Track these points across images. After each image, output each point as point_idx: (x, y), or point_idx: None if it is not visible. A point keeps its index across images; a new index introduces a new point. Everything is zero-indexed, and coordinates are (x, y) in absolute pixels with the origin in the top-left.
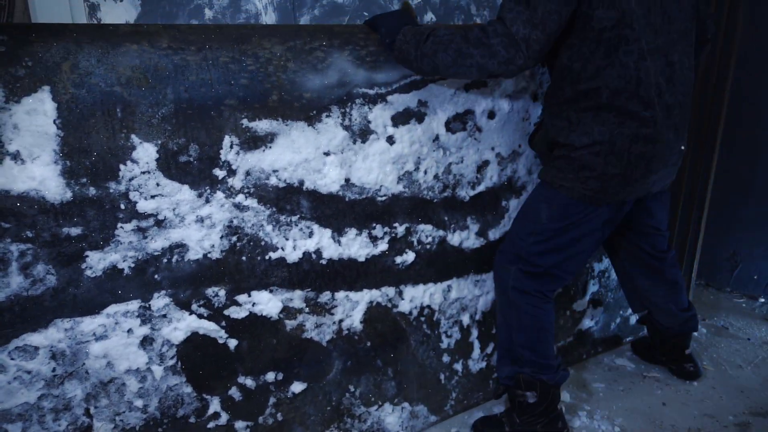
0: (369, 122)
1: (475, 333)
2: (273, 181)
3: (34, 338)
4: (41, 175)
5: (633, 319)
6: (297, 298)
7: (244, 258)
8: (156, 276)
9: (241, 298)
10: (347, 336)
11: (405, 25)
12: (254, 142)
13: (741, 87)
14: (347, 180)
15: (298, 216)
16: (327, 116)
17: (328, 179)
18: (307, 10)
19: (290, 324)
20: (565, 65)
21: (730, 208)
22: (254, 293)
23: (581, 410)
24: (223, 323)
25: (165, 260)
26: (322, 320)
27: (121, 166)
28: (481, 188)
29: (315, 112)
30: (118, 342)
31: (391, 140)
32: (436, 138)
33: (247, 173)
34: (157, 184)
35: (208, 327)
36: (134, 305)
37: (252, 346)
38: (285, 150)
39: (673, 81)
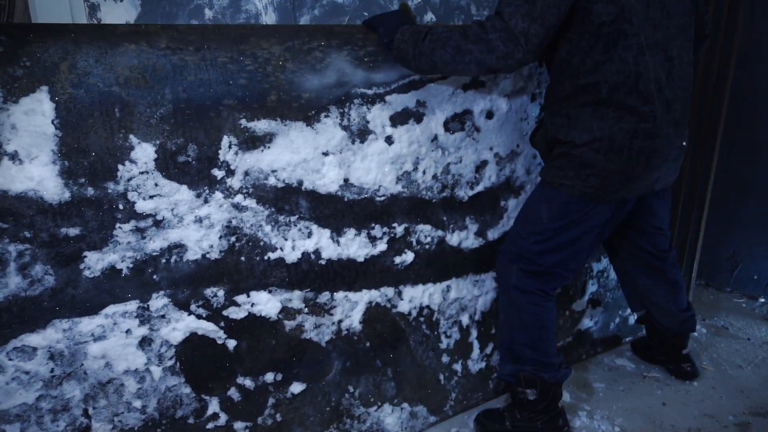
0: (367, 122)
1: (474, 333)
2: (272, 181)
3: (33, 339)
4: (39, 176)
5: (632, 319)
6: (296, 298)
7: (242, 258)
8: (154, 276)
9: (240, 298)
10: (346, 336)
11: (403, 24)
12: (253, 142)
13: (741, 87)
14: (346, 180)
15: (297, 216)
16: (325, 116)
17: (326, 179)
18: (307, 10)
19: (289, 324)
20: (564, 60)
21: (730, 208)
22: (253, 293)
23: (581, 410)
24: (222, 324)
25: (163, 260)
26: (321, 321)
27: (120, 167)
28: (479, 188)
29: (313, 112)
30: (117, 342)
31: (389, 140)
32: (435, 138)
33: (246, 173)
34: (156, 185)
35: (207, 327)
36: (133, 306)
37: (251, 346)
38: (284, 150)
39: (672, 76)
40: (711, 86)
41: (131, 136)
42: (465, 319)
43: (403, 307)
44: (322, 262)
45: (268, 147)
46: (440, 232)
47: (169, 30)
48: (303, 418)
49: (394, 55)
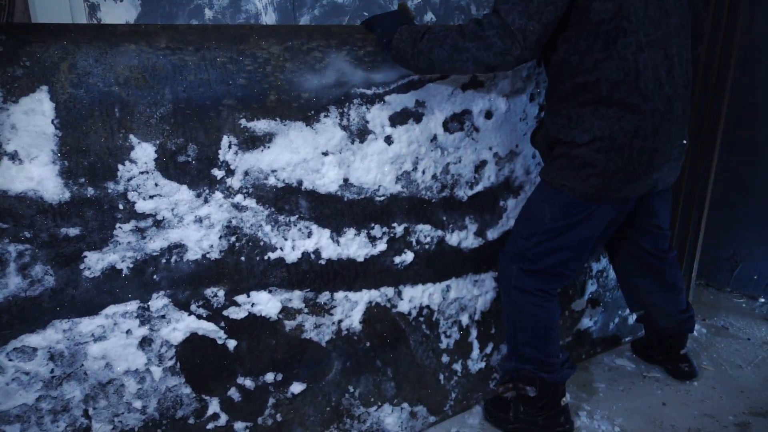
0: (367, 122)
1: (474, 333)
2: (271, 181)
3: (33, 339)
4: (39, 176)
5: (632, 318)
6: (296, 298)
7: (243, 258)
8: (155, 276)
9: (240, 298)
10: (346, 336)
11: (402, 24)
12: (252, 142)
13: (741, 87)
14: (346, 180)
15: (297, 216)
16: (325, 116)
17: (326, 179)
18: (307, 10)
19: (289, 324)
20: (563, 59)
21: (730, 208)
22: (253, 293)
23: (581, 410)
24: (222, 324)
25: (164, 260)
26: (322, 320)
27: (120, 166)
28: (479, 188)
29: (313, 112)
30: (117, 343)
31: (389, 140)
32: (434, 138)
33: (246, 173)
34: (156, 184)
35: (207, 327)
36: (133, 306)
37: (251, 346)
38: (283, 150)
39: (672, 74)
40: (711, 86)
41: (131, 136)
42: (465, 319)
43: (403, 307)
44: (322, 262)
45: (268, 147)
46: (440, 232)
47: (169, 30)
48: (303, 418)
49: (393, 55)
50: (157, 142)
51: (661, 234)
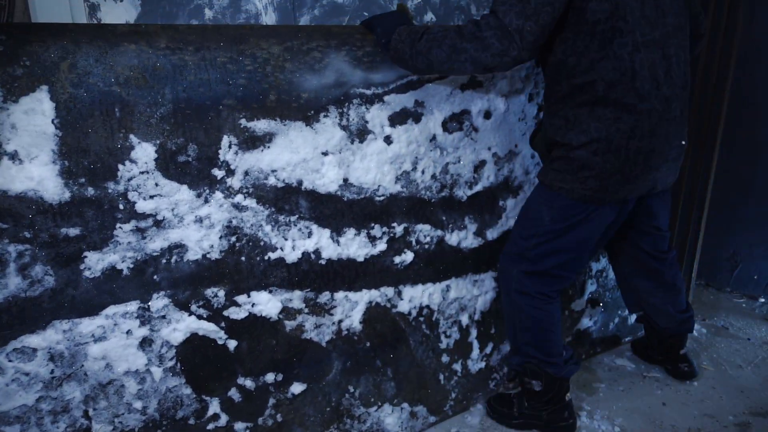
0: (366, 122)
1: (474, 333)
2: (271, 181)
3: (33, 340)
4: (39, 175)
5: (632, 318)
6: (296, 298)
7: (243, 258)
8: (155, 277)
9: (241, 298)
10: (347, 336)
11: (401, 25)
12: (253, 142)
13: (741, 87)
14: (345, 180)
15: (297, 216)
16: (325, 116)
17: (326, 179)
18: (307, 10)
19: (290, 324)
20: (560, 60)
21: (730, 208)
22: (253, 294)
23: (581, 410)
24: (223, 324)
25: (164, 261)
26: (322, 321)
27: (120, 166)
28: (478, 188)
29: (313, 112)
30: (117, 343)
31: (388, 140)
32: (433, 138)
33: (246, 173)
34: (156, 184)
35: (208, 328)
36: (133, 306)
37: (251, 346)
38: (283, 150)
39: (670, 74)
40: (711, 86)
41: (131, 136)
42: (464, 319)
43: (403, 306)
44: (322, 261)
45: (268, 147)
46: (439, 232)
47: (169, 30)
48: (303, 419)
49: (392, 55)
50: (158, 141)
51: (660, 235)
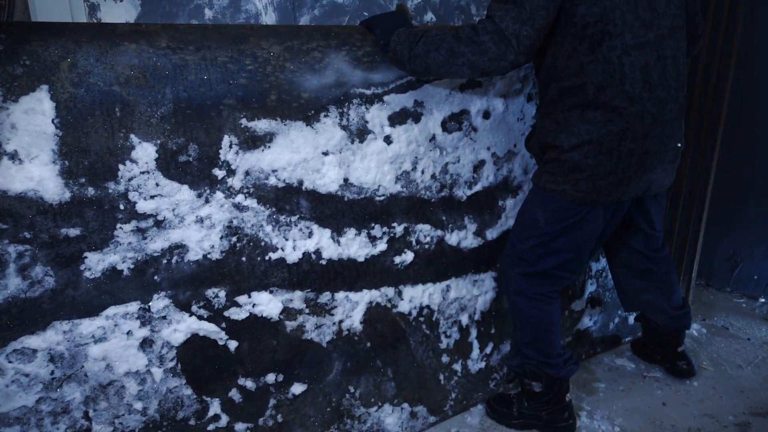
0: (366, 122)
1: (474, 333)
2: (272, 181)
3: (32, 341)
4: (39, 176)
5: (632, 318)
6: (297, 298)
7: (244, 258)
8: (155, 277)
9: (241, 299)
10: (347, 337)
11: (400, 26)
12: (253, 141)
13: (741, 87)
14: (346, 180)
15: (298, 216)
16: (325, 116)
17: (326, 179)
18: (307, 10)
19: (290, 325)
20: (551, 63)
21: (730, 208)
22: (254, 294)
23: (581, 410)
24: (223, 324)
25: (164, 261)
26: (322, 321)
27: (120, 166)
28: (477, 188)
29: (313, 111)
30: (118, 344)
31: (388, 140)
32: (433, 138)
33: (247, 173)
34: (157, 184)
35: (208, 328)
36: (134, 307)
37: (252, 347)
38: (284, 150)
39: (665, 75)
40: (711, 86)
41: (132, 136)
42: (464, 319)
43: (404, 307)
44: (323, 262)
45: (269, 147)
46: (439, 232)
47: (170, 29)
48: (304, 419)
49: (390, 57)
50: (158, 141)
51: (654, 234)
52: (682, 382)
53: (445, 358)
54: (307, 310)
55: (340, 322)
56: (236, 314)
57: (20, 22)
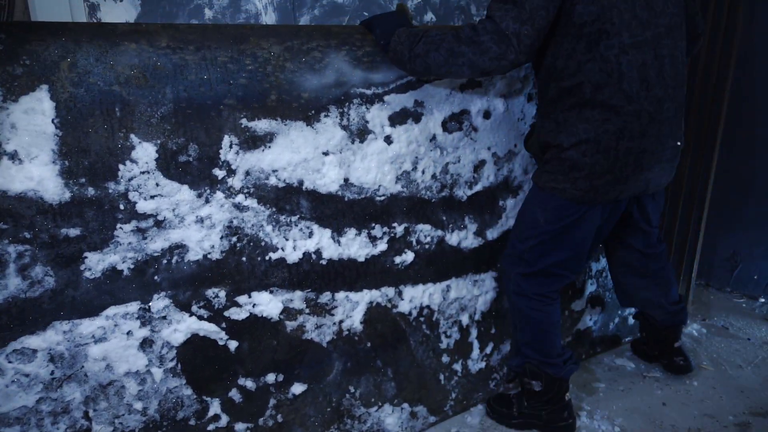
0: (367, 122)
1: (474, 333)
2: (272, 181)
3: (32, 341)
4: (39, 175)
5: (632, 318)
6: (297, 298)
7: (244, 258)
8: (156, 277)
9: (242, 299)
10: (347, 337)
11: (400, 26)
12: (253, 141)
13: (741, 87)
14: (346, 180)
15: (298, 216)
16: (325, 116)
17: (327, 179)
18: (307, 10)
19: (291, 325)
20: (550, 63)
21: (730, 208)
22: (254, 294)
23: (581, 410)
24: (224, 325)
25: (165, 261)
26: (323, 321)
27: (120, 166)
28: (478, 188)
29: (313, 111)
30: (118, 344)
31: (388, 140)
32: (433, 138)
33: (247, 173)
34: (157, 184)
35: (209, 328)
36: (134, 307)
37: (252, 347)
38: (284, 150)
39: (663, 74)
40: (711, 86)
41: (132, 136)
42: (465, 319)
43: (404, 307)
44: (323, 262)
45: (269, 147)
46: (440, 232)
47: (170, 29)
48: (304, 419)
49: (390, 57)
50: (158, 141)
51: (651, 231)
52: (682, 382)
53: (445, 358)
54: (307, 310)
55: (341, 322)
56: (236, 314)
57: (20, 22)
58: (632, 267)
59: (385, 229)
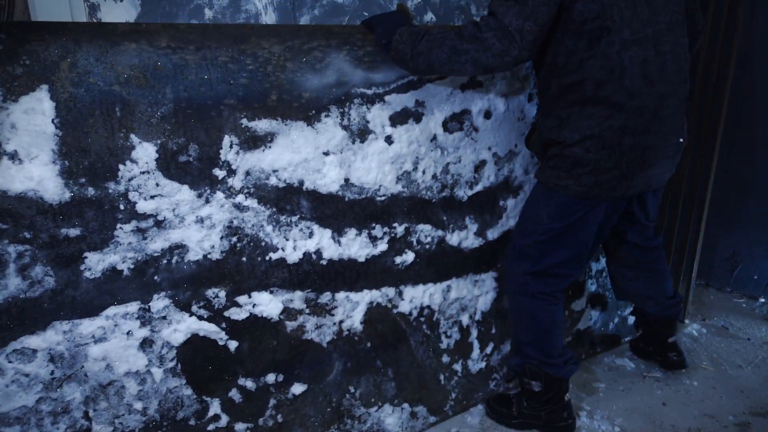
0: (367, 122)
1: (474, 333)
2: (273, 181)
3: (32, 341)
4: (39, 176)
5: (632, 318)
6: (297, 298)
7: (244, 259)
8: (156, 277)
9: (242, 299)
10: (347, 337)
11: (401, 25)
12: (254, 141)
13: (741, 87)
14: (346, 180)
15: (298, 216)
16: (326, 116)
17: (327, 179)
18: (307, 10)
19: (291, 325)
20: (551, 60)
21: (730, 208)
22: (254, 294)
23: (581, 410)
24: (224, 325)
25: (165, 261)
26: (323, 321)
27: (120, 166)
28: (478, 188)
29: (314, 111)
30: (118, 344)
31: (389, 140)
32: (434, 138)
33: (247, 173)
34: (157, 184)
35: (209, 329)
36: (134, 307)
37: (252, 347)
38: (284, 150)
39: (665, 71)
40: (711, 86)
41: (132, 136)
42: (465, 319)
43: (404, 307)
44: (324, 262)
45: (269, 147)
46: (440, 232)
47: (170, 29)
48: (304, 419)
49: (393, 56)
50: (158, 141)
51: (649, 225)
52: (682, 382)
53: (445, 358)
54: (307, 311)
55: (341, 322)
56: (236, 314)
57: (20, 22)
58: (628, 260)
59: (386, 229)
